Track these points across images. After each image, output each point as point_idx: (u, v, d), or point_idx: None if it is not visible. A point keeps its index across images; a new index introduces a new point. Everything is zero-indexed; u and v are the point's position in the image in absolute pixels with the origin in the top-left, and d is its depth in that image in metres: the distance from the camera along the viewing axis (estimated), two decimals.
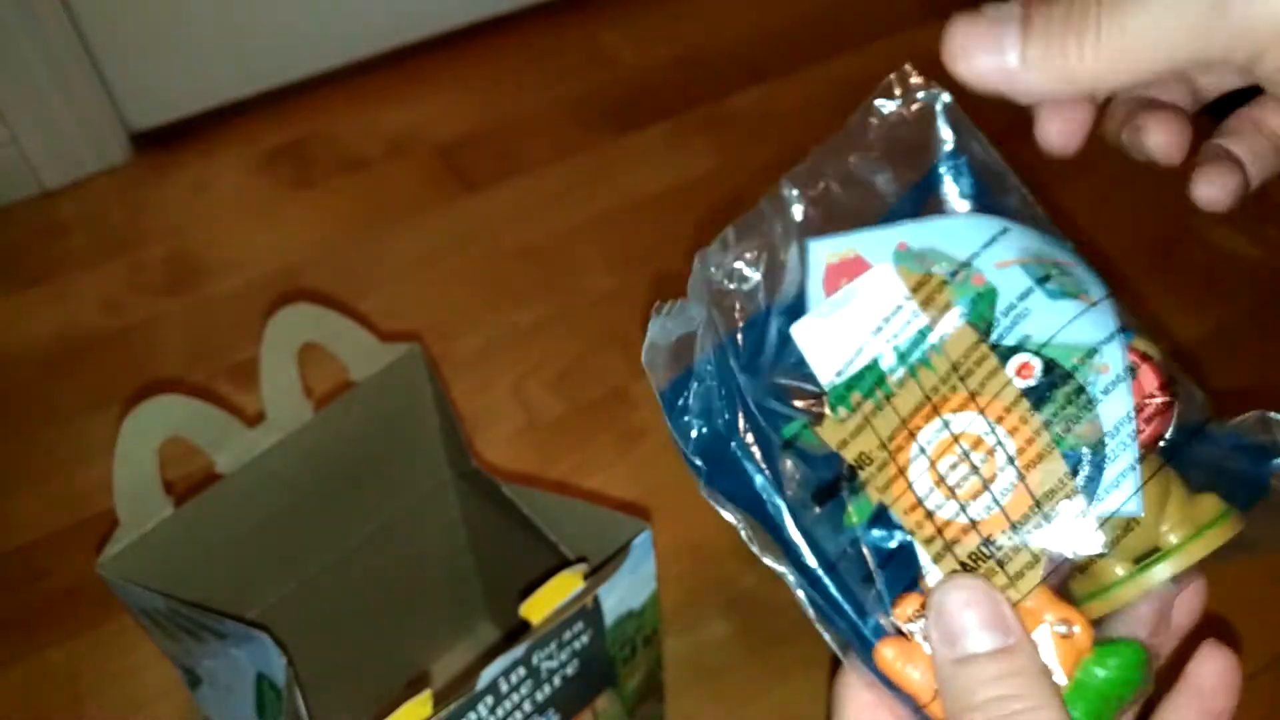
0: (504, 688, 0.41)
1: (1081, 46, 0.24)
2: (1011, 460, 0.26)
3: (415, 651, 0.64)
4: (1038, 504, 0.26)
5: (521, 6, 1.14)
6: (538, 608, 0.42)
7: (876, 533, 0.27)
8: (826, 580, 0.28)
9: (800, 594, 0.28)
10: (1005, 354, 0.27)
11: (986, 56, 0.26)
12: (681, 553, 0.69)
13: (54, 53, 0.93)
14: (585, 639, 0.44)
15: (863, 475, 0.28)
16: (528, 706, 0.43)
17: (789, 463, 0.28)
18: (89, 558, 0.45)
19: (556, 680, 0.44)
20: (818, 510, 0.28)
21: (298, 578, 0.54)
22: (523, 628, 0.41)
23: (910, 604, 0.27)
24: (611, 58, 1.11)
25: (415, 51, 1.11)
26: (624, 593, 0.44)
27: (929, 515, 0.27)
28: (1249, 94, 0.30)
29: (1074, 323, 0.27)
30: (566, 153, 1.00)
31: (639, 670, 0.50)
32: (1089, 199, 0.90)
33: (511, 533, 0.51)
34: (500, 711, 0.42)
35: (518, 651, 0.41)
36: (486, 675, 0.40)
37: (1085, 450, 0.26)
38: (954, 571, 0.26)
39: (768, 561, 0.28)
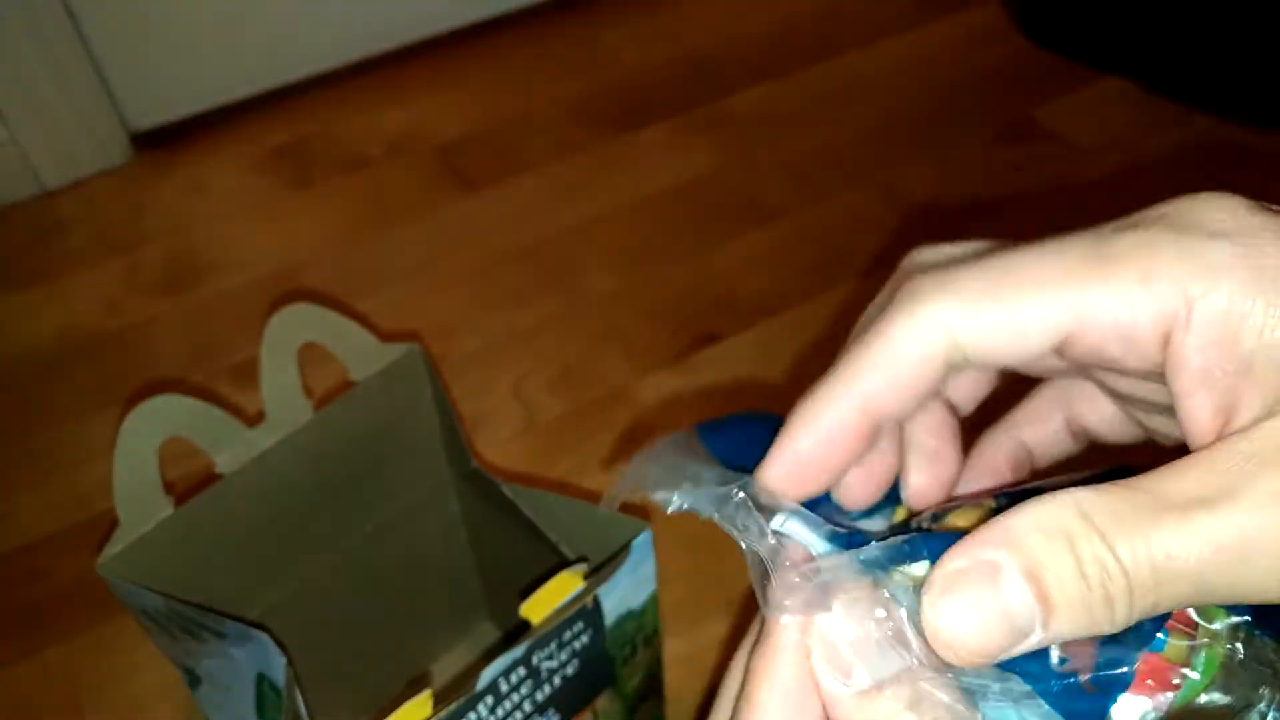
0: (504, 688, 0.41)
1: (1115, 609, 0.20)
2: None
3: (415, 651, 0.64)
4: None
5: (521, 6, 1.15)
6: (538, 608, 0.42)
7: None
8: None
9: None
10: None
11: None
12: (681, 553, 0.69)
13: (54, 53, 0.93)
14: (585, 639, 0.44)
15: None
16: (528, 706, 0.43)
17: None
18: (89, 558, 0.45)
19: (556, 680, 0.44)
20: None
21: (298, 578, 0.54)
22: (523, 628, 0.41)
23: None
24: (612, 58, 1.11)
25: (415, 51, 1.11)
26: (624, 593, 0.44)
27: None
28: None
29: None
30: (566, 153, 1.00)
31: (639, 670, 0.50)
32: (1089, 199, 0.90)
33: (511, 533, 0.51)
34: (500, 711, 0.42)
35: (518, 651, 0.41)
36: (486, 675, 0.40)
37: None
38: None
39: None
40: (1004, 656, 0.21)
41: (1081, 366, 0.24)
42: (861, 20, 1.13)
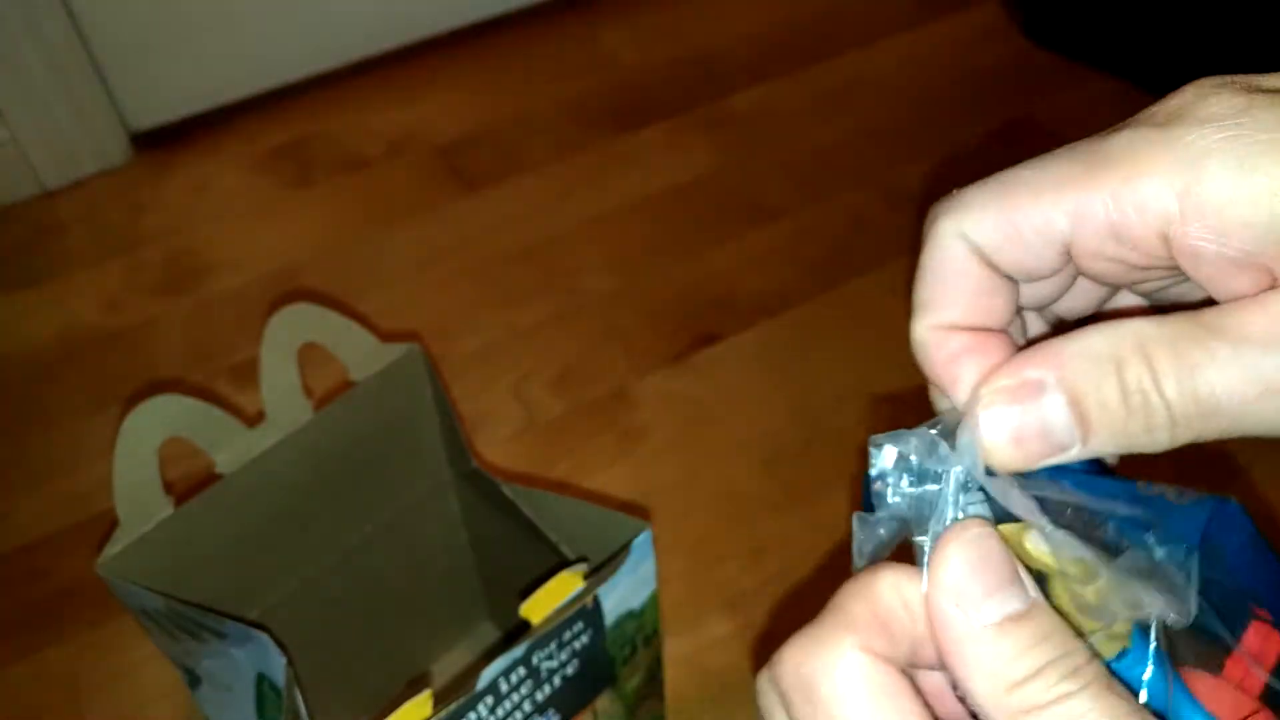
0: (504, 688, 0.41)
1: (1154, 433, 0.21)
2: None
3: (415, 651, 0.64)
4: None
5: (521, 6, 1.15)
6: (538, 608, 0.42)
7: None
8: None
9: None
10: None
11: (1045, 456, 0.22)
12: (681, 553, 0.69)
13: (54, 53, 0.93)
14: (585, 639, 0.44)
15: None
16: (528, 706, 0.43)
17: None
18: (89, 558, 0.45)
19: (556, 680, 0.44)
20: None
21: (298, 578, 0.54)
22: (523, 628, 0.41)
23: None
24: (611, 58, 1.11)
25: (415, 51, 1.11)
26: (624, 593, 0.44)
27: None
28: None
29: None
30: (566, 153, 1.00)
31: (639, 670, 0.50)
32: None
33: (511, 533, 0.51)
34: (500, 711, 0.42)
35: (518, 651, 0.41)
36: (486, 675, 0.40)
37: None
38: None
39: None
40: (1042, 465, 0.22)
41: (1102, 276, 0.24)
42: (861, 20, 1.13)
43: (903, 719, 0.21)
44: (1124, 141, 0.21)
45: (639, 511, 0.71)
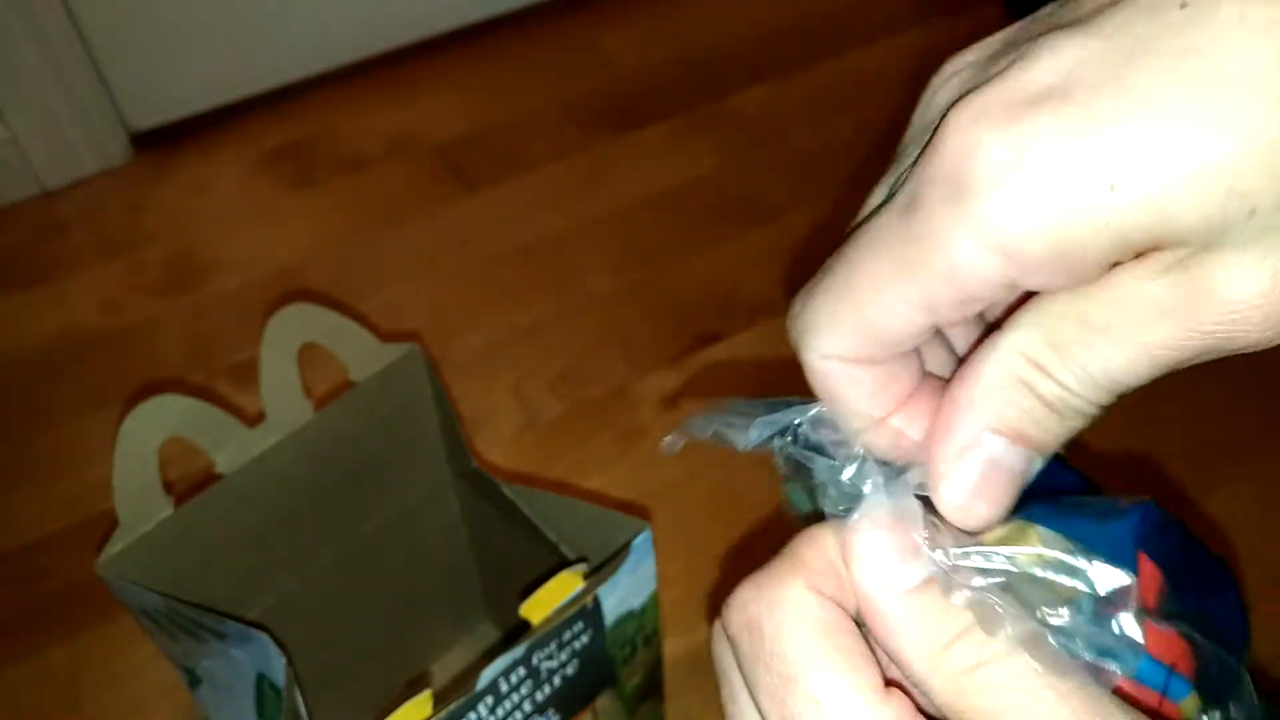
0: (504, 688, 0.41)
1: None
2: None
3: (415, 651, 0.64)
4: None
5: (521, 6, 1.15)
6: (538, 608, 0.42)
7: None
8: None
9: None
10: None
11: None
12: (681, 553, 0.69)
13: (54, 53, 0.93)
14: (585, 639, 0.44)
15: None
16: (528, 706, 0.43)
17: None
18: (89, 558, 0.45)
19: (556, 680, 0.44)
20: None
21: (298, 578, 0.54)
22: (523, 628, 0.41)
23: None
24: (611, 58, 1.11)
25: (415, 51, 1.11)
26: (624, 593, 0.44)
27: None
28: None
29: None
30: (566, 153, 1.00)
31: (639, 670, 0.50)
32: None
33: (511, 533, 0.51)
34: (500, 711, 0.42)
35: (518, 651, 0.41)
36: (486, 675, 0.40)
37: None
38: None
39: None
40: (1018, 494, 0.23)
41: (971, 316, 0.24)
42: (861, 20, 1.13)
43: (845, 656, 0.21)
44: (925, 216, 0.21)
45: (639, 511, 0.71)
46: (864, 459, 0.24)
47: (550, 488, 0.68)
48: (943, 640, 0.21)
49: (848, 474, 0.24)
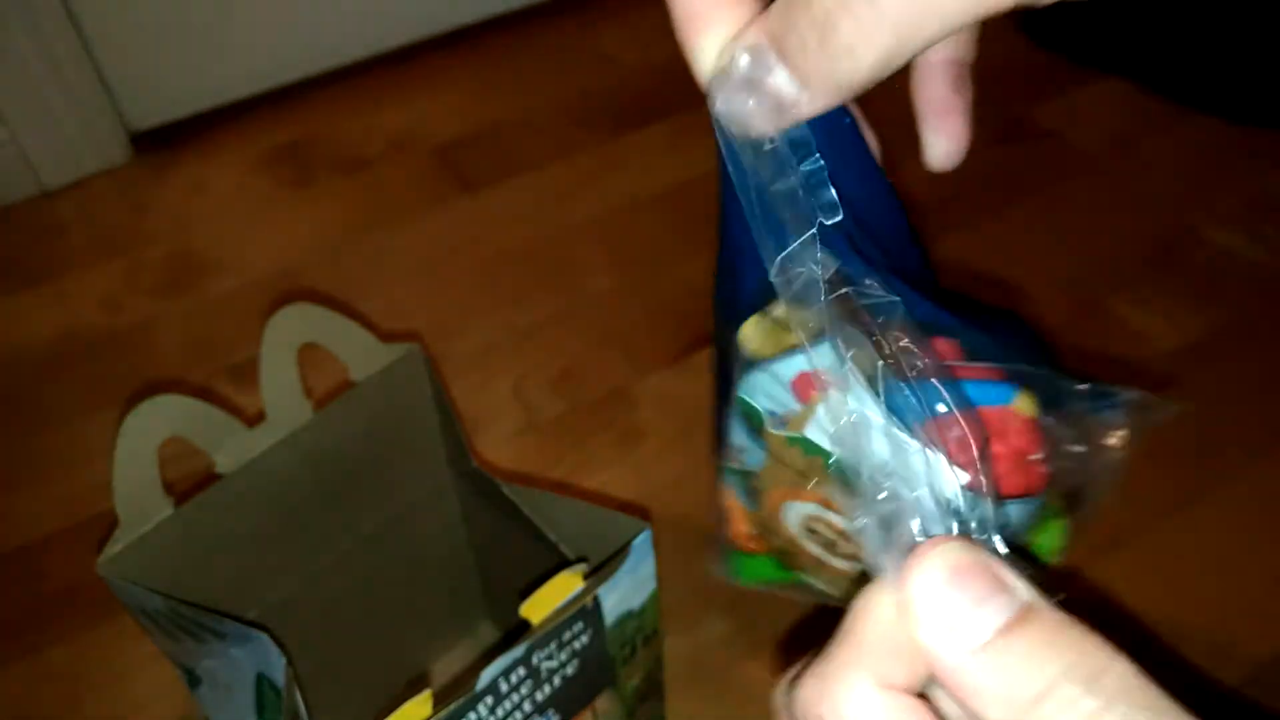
0: (504, 688, 0.41)
1: (847, 50, 0.22)
2: None
3: (415, 651, 0.64)
4: None
5: (521, 6, 1.15)
6: (538, 608, 0.42)
7: None
8: None
9: None
10: None
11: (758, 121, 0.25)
12: (681, 553, 0.69)
13: (54, 53, 0.93)
14: (585, 639, 0.44)
15: None
16: (528, 706, 0.43)
17: None
18: (89, 558, 0.45)
19: (556, 680, 0.44)
20: None
21: (298, 578, 0.54)
22: (523, 628, 0.41)
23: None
24: (611, 58, 1.11)
25: (415, 51, 1.11)
26: (624, 593, 0.44)
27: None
28: None
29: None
30: (566, 153, 1.00)
31: (639, 670, 0.50)
32: (1089, 199, 0.90)
33: (511, 533, 0.51)
34: (500, 711, 0.42)
35: (518, 651, 0.41)
36: (486, 675, 0.40)
37: None
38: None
39: None
40: (790, 123, 0.25)
41: None
42: None
43: None
44: None
45: (639, 511, 0.71)
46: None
47: (550, 488, 0.68)
48: (1030, 696, 0.18)
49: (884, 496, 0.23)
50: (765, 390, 0.29)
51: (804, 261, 0.25)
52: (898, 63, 0.22)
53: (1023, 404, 0.29)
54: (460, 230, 0.93)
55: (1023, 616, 0.19)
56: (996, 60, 1.17)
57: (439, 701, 0.39)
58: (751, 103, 0.24)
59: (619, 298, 0.86)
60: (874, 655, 0.20)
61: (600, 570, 0.43)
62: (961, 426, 0.24)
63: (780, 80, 0.23)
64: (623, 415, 0.78)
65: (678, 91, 1.06)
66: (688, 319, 0.84)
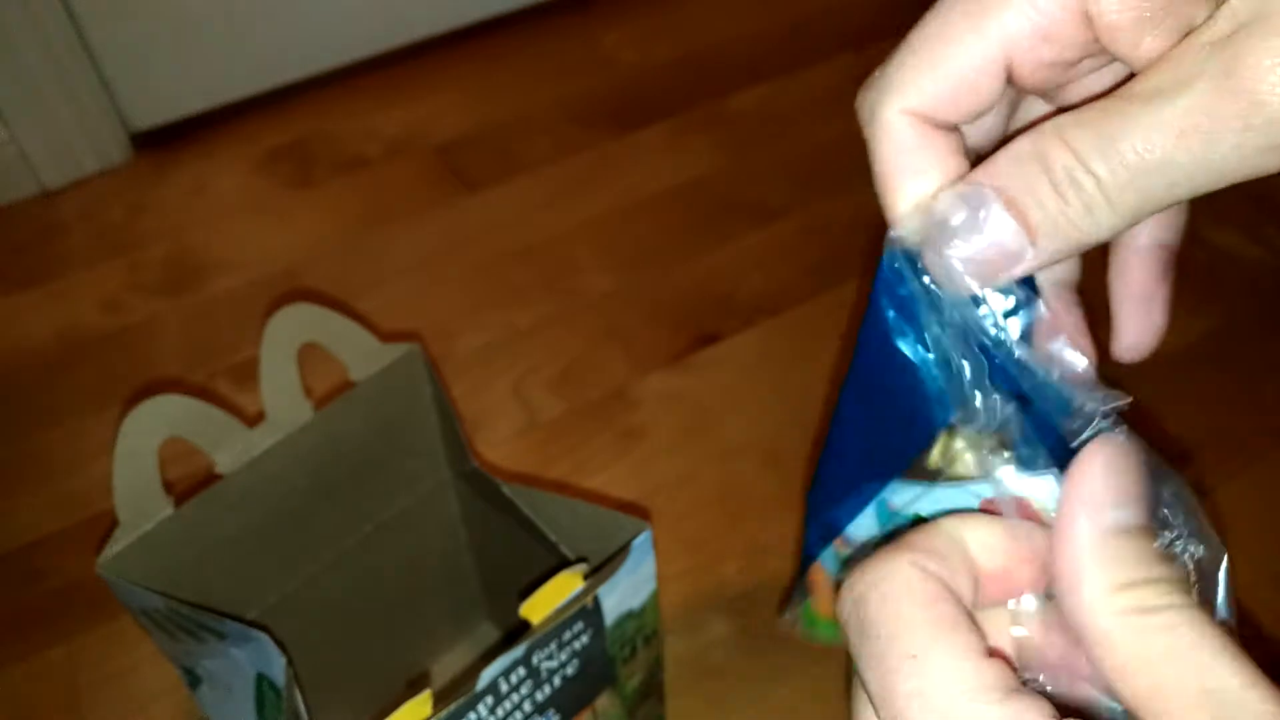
0: (504, 688, 0.41)
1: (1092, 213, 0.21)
2: None
3: (415, 651, 0.64)
4: None
5: (521, 6, 1.15)
6: (538, 608, 0.42)
7: None
8: None
9: None
10: None
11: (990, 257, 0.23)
12: (681, 553, 0.69)
13: (54, 53, 0.93)
14: (585, 639, 0.44)
15: None
16: (528, 706, 0.43)
17: None
18: (89, 558, 0.45)
19: (556, 680, 0.44)
20: None
21: (298, 578, 0.54)
22: (523, 628, 0.41)
23: None
24: (612, 58, 1.11)
25: (415, 51, 1.11)
26: (624, 593, 0.44)
27: None
28: None
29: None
30: (566, 153, 1.00)
31: (639, 670, 0.50)
32: None
33: (511, 533, 0.51)
34: (500, 711, 0.42)
35: (518, 651, 0.41)
36: (486, 675, 0.40)
37: None
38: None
39: None
40: (1006, 279, 0.23)
41: (1042, 85, 0.24)
42: (861, 20, 1.13)
43: (945, 620, 0.21)
44: None
45: (639, 511, 0.71)
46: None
47: (550, 488, 0.68)
48: (1128, 579, 0.20)
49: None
50: (953, 504, 0.28)
51: (991, 397, 0.25)
52: (1137, 222, 0.21)
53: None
54: (460, 230, 0.93)
55: (1149, 528, 0.21)
56: None
57: (439, 701, 0.39)
58: (966, 254, 0.23)
59: (619, 298, 0.86)
60: (918, 549, 0.22)
61: (600, 570, 0.43)
62: None
63: (1005, 234, 0.22)
64: (623, 415, 0.78)
65: (678, 91, 1.06)
66: (687, 319, 0.84)
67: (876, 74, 0.24)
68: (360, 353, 0.51)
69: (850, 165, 0.99)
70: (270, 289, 0.88)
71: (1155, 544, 0.21)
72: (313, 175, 1.00)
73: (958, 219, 0.22)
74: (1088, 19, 0.21)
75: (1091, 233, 0.21)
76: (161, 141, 1.04)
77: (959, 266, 0.22)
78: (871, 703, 0.21)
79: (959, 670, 0.20)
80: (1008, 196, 0.22)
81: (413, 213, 0.95)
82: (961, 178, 0.23)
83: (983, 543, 0.23)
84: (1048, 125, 0.21)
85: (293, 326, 0.49)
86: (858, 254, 0.88)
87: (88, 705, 0.64)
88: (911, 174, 0.24)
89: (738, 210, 0.93)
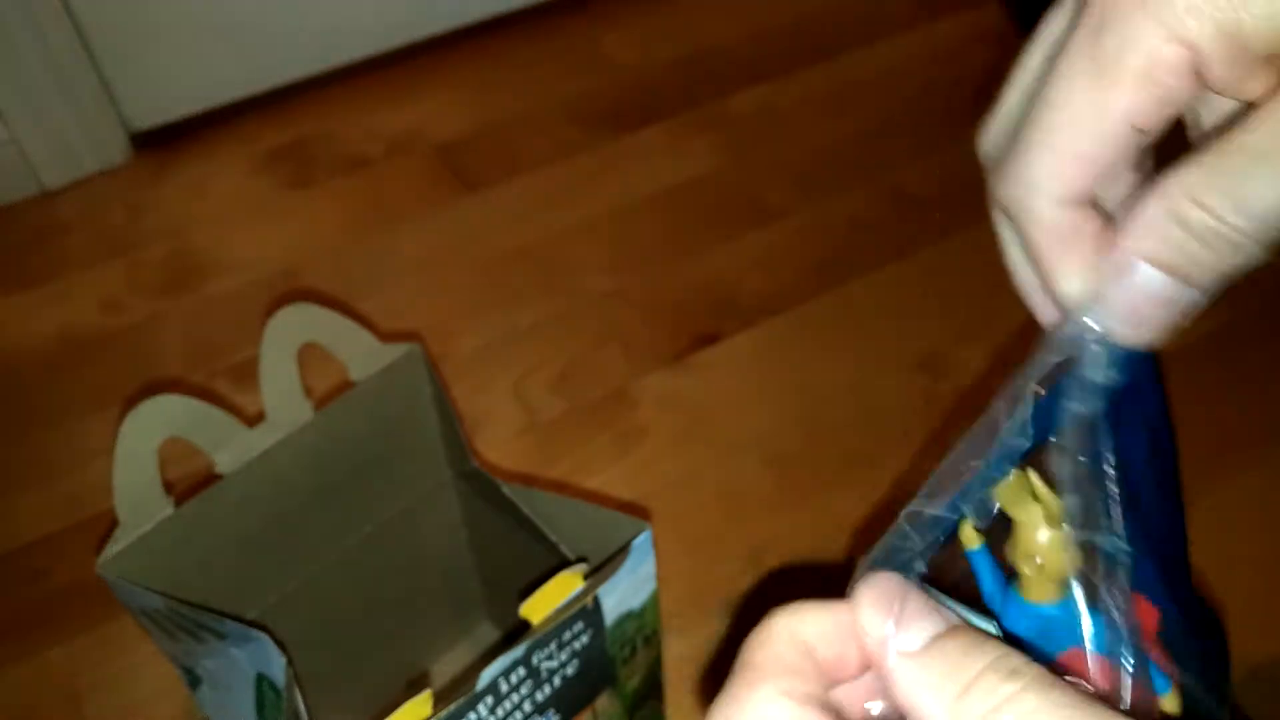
0: (504, 688, 0.41)
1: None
2: None
3: (415, 651, 0.64)
4: None
5: (521, 6, 1.14)
6: (538, 608, 0.42)
7: None
8: None
9: None
10: None
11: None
12: (681, 553, 0.69)
13: (54, 53, 0.93)
14: (585, 639, 0.44)
15: None
16: (528, 706, 0.43)
17: None
18: (89, 558, 0.45)
19: (556, 680, 0.44)
20: None
21: (298, 578, 0.54)
22: (523, 628, 0.41)
23: None
24: (611, 58, 1.11)
25: (415, 51, 1.11)
26: (624, 593, 0.44)
27: None
28: None
29: None
30: (566, 153, 1.00)
31: (639, 670, 0.50)
32: None
33: (511, 533, 0.51)
34: (500, 711, 0.42)
35: (518, 651, 0.41)
36: (486, 675, 0.40)
37: None
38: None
39: None
40: (1185, 320, 0.26)
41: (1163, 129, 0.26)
42: (861, 20, 1.13)
43: None
44: (1119, 25, 0.23)
45: (639, 511, 0.71)
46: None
47: (550, 488, 0.68)
48: (957, 689, 0.21)
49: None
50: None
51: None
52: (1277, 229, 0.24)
53: (1170, 703, 0.29)
54: (460, 230, 0.93)
55: (952, 630, 0.22)
56: (996, 60, 1.17)
57: (439, 701, 0.39)
58: (1140, 311, 0.25)
59: (619, 298, 0.86)
60: (771, 672, 0.23)
61: (600, 570, 0.43)
62: (1134, 688, 0.26)
63: (1163, 287, 0.25)
64: (622, 415, 0.78)
65: (678, 92, 1.06)
66: (687, 319, 0.84)
67: (1010, 163, 0.26)
68: (360, 353, 0.51)
69: (850, 165, 0.99)
70: (270, 289, 0.88)
71: (966, 636, 0.22)
72: (313, 175, 1.00)
73: (1124, 287, 0.25)
74: (1200, 77, 0.23)
75: (1244, 262, 0.24)
76: (161, 142, 1.03)
77: (1134, 324, 0.26)
78: None
79: None
80: (1159, 262, 0.24)
81: (413, 213, 0.95)
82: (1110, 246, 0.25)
83: (820, 633, 0.23)
84: (1173, 188, 0.24)
85: (293, 326, 0.49)
86: (858, 254, 0.88)
87: (88, 705, 0.64)
88: (1073, 257, 0.26)
89: (738, 210, 0.93)
